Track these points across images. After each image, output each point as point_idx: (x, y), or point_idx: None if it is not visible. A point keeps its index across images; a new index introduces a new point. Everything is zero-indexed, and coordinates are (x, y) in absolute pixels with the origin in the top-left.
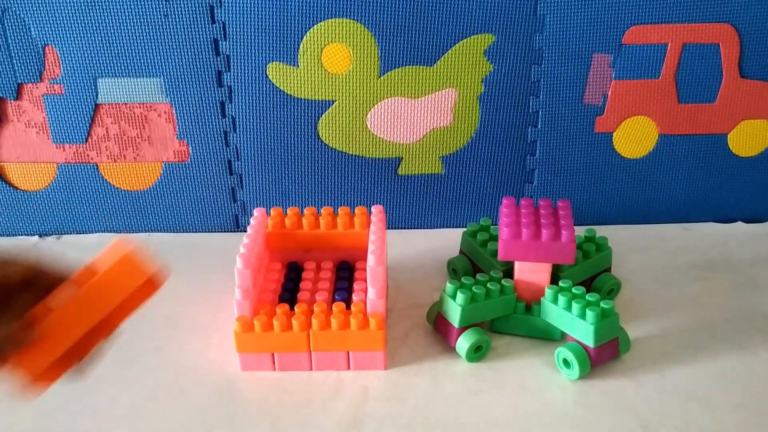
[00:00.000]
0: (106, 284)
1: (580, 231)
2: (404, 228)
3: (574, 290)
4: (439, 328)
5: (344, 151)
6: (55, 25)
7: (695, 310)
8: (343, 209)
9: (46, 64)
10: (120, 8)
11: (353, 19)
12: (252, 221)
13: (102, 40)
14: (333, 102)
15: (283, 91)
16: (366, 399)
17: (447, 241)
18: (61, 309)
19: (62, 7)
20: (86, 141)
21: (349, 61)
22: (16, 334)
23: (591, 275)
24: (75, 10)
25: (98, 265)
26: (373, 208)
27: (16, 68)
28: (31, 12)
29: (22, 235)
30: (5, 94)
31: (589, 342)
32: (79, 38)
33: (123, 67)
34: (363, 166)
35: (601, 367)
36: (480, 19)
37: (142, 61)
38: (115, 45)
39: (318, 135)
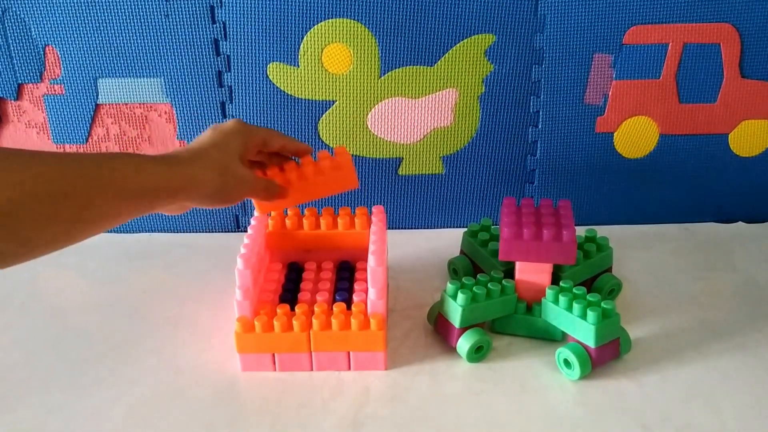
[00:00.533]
0: (332, 178)
1: (581, 231)
2: (405, 228)
3: (575, 290)
4: (439, 328)
5: None
6: (56, 26)
7: (696, 310)
8: (343, 209)
9: (47, 65)
10: (120, 8)
11: (353, 19)
12: (252, 221)
13: (102, 40)
14: (333, 102)
15: (284, 92)
16: (367, 399)
17: (448, 241)
18: (300, 182)
19: (63, 8)
20: (87, 141)
21: (350, 62)
22: (270, 186)
23: (592, 275)
24: (75, 10)
25: (327, 159)
26: (374, 209)
27: (17, 68)
28: (32, 12)
29: None
30: (6, 94)
31: (590, 342)
32: (80, 38)
33: (123, 68)
34: (363, 166)
35: (602, 367)
36: (480, 19)
37: (143, 61)
38: (115, 45)
39: (318, 135)
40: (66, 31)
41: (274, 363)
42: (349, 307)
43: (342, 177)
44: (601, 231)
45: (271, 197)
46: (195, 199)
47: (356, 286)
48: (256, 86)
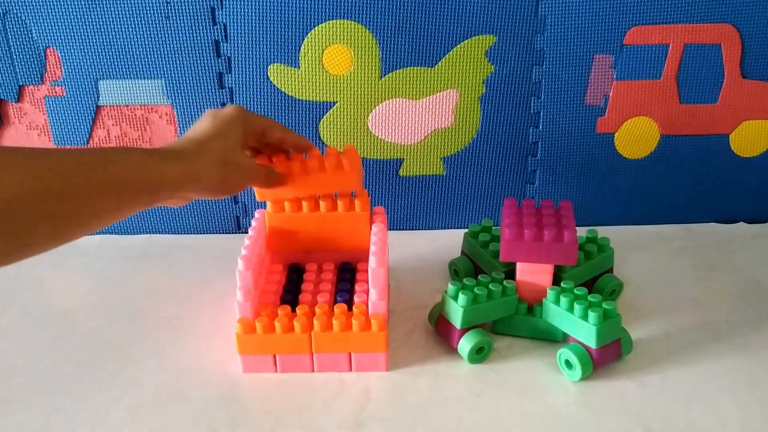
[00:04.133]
0: (335, 176)
1: (582, 232)
2: (406, 229)
3: (576, 291)
4: (440, 329)
5: None
6: (57, 28)
7: (697, 311)
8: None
9: (48, 66)
10: (121, 10)
11: (354, 21)
12: (253, 223)
13: (103, 42)
14: (334, 103)
15: (285, 93)
16: (368, 400)
17: (449, 242)
18: (302, 175)
19: (63, 10)
20: (87, 143)
21: (350, 63)
22: (270, 173)
23: (593, 276)
24: (76, 12)
25: (334, 157)
26: (375, 209)
27: (18, 70)
28: (33, 14)
29: None
30: (7, 96)
31: (592, 343)
32: (81, 40)
33: (124, 69)
34: (364, 167)
35: (604, 368)
36: (481, 20)
37: (143, 63)
38: (116, 47)
39: (319, 136)
40: (67, 33)
41: (276, 364)
42: (350, 308)
43: (345, 177)
44: (602, 232)
45: (271, 184)
46: (196, 192)
47: (357, 287)
48: (256, 87)
